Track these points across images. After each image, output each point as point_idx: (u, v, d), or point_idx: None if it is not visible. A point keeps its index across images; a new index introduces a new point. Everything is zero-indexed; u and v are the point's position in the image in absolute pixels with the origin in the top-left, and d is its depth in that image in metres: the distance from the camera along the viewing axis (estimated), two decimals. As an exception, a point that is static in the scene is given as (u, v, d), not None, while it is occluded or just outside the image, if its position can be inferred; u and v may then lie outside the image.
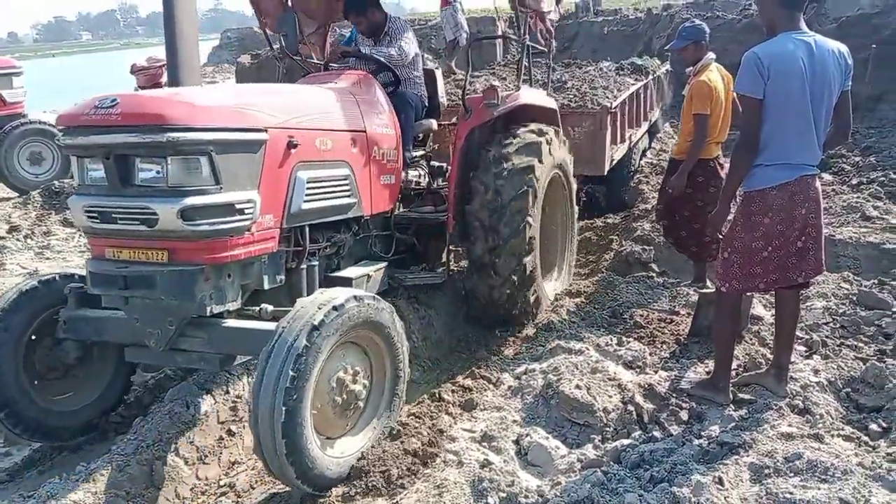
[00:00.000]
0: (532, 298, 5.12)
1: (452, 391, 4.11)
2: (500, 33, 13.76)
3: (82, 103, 3.31)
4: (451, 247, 5.23)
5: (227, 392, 3.85)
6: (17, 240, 7.91)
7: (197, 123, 3.14)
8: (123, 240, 3.28)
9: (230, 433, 3.75)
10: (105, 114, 3.10)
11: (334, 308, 3.09)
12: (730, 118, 5.41)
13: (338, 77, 4.78)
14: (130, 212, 3.18)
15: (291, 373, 2.88)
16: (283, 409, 2.87)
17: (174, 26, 4.30)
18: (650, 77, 9.88)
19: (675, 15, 13.71)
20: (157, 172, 3.14)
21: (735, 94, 3.63)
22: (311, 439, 3.03)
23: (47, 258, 7.40)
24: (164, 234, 3.18)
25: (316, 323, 2.99)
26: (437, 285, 5.28)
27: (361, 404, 3.43)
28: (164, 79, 6.18)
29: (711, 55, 5.38)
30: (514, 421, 3.71)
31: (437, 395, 4.06)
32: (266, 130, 3.49)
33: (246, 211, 3.34)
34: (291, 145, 3.64)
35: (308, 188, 3.80)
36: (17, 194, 9.86)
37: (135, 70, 6.30)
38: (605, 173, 7.56)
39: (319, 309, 3.06)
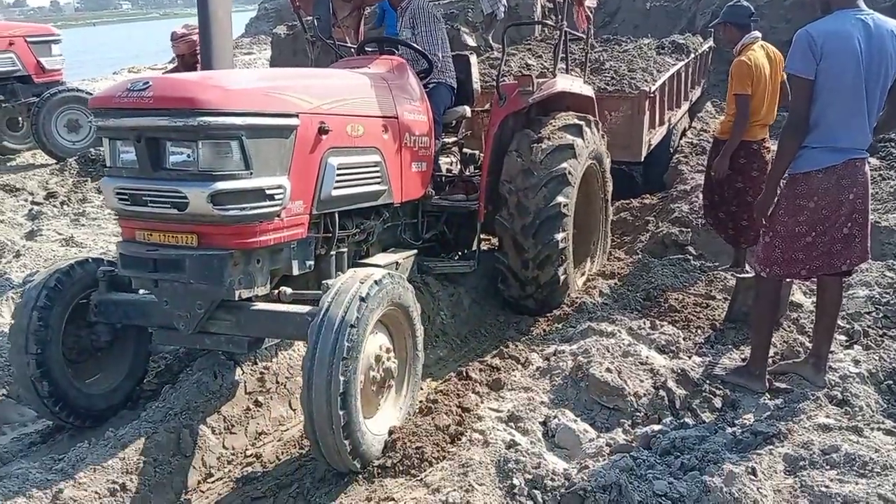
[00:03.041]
0: (562, 279, 5.03)
1: (480, 370, 4.06)
2: (537, 16, 13.52)
3: (115, 85, 3.31)
4: (481, 235, 5.18)
5: (255, 363, 3.85)
6: (54, 206, 8.00)
7: (228, 107, 3.11)
8: (154, 223, 3.28)
9: (257, 404, 3.76)
10: (137, 97, 3.09)
11: (376, 282, 3.15)
12: (777, 99, 5.24)
13: (370, 62, 4.73)
14: (161, 195, 3.17)
15: (347, 343, 2.92)
16: (342, 379, 2.89)
17: (207, 11, 4.30)
18: (691, 56, 9.57)
19: (720, -9, 13.30)
20: (188, 156, 3.13)
21: (785, 73, 3.48)
22: (361, 414, 3.06)
23: (83, 225, 7.47)
24: (193, 217, 3.17)
25: (363, 295, 3.05)
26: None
27: (393, 382, 3.45)
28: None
29: (756, 34, 5.20)
30: (542, 402, 3.67)
31: (464, 374, 4.01)
32: (297, 115, 3.46)
33: (276, 196, 3.31)
34: (323, 131, 3.60)
35: (338, 174, 3.75)
36: (54, 161, 9.97)
37: (175, 38, 6.27)
38: (642, 160, 7.40)
39: (362, 283, 3.11)
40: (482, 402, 3.71)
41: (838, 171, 3.48)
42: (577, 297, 5.14)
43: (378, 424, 3.31)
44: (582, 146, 5.12)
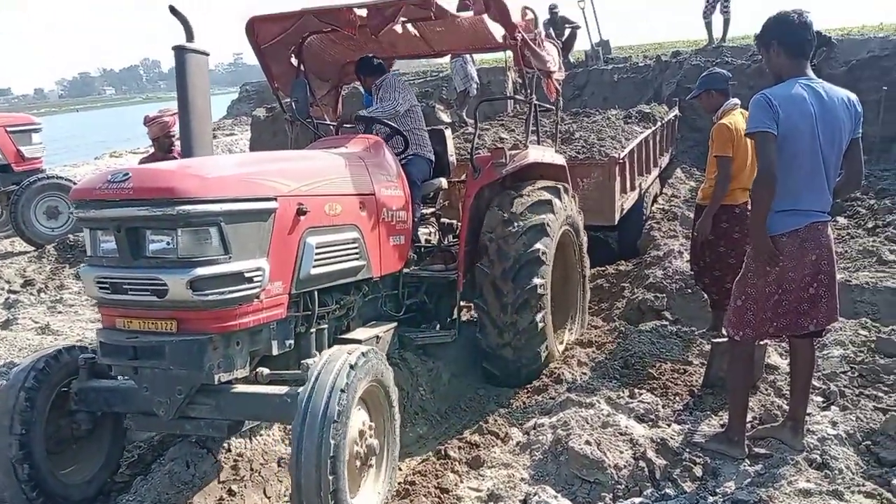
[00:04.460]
0: (544, 355, 5.11)
1: (459, 448, 4.02)
2: (508, 91, 13.92)
3: (95, 176, 3.37)
4: (461, 303, 5.23)
5: (229, 450, 3.78)
6: (31, 294, 7.94)
7: (207, 195, 3.17)
8: (133, 310, 3.28)
9: (231, 493, 3.67)
10: (117, 188, 3.14)
11: (363, 354, 3.25)
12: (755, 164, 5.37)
13: (347, 141, 4.85)
14: (141, 283, 3.20)
15: (338, 407, 2.97)
16: (332, 443, 2.92)
17: (187, 101, 4.51)
18: (658, 124, 9.93)
19: (685, 62, 13.77)
20: (168, 243, 3.17)
21: (748, 134, 3.58)
22: (347, 485, 3.06)
23: (59, 312, 7.41)
24: (173, 304, 3.18)
25: (353, 363, 3.14)
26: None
27: (374, 461, 3.43)
28: (176, 129, 6.31)
29: (735, 101, 5.35)
30: (522, 479, 3.62)
31: (443, 452, 3.97)
32: (276, 199, 3.51)
33: (255, 279, 3.34)
34: (301, 212, 3.65)
35: (317, 253, 3.79)
36: (32, 248, 9.95)
37: (147, 121, 6.42)
38: (616, 223, 7.55)
39: (350, 353, 3.21)
40: (461, 482, 3.66)
41: (801, 234, 3.55)
42: (555, 368, 5.13)
43: (360, 500, 3.28)
44: (559, 205, 5.29)
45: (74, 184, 10.84)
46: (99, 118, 74.55)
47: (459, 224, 5.38)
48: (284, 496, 3.86)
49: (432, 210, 5.83)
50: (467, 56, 12.09)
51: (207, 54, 4.90)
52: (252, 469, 3.80)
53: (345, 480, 3.01)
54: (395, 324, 4.79)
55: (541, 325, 5.02)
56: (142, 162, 6.62)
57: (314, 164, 4.22)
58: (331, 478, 2.91)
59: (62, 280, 8.35)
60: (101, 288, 3.31)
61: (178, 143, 6.65)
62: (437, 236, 5.90)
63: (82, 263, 3.50)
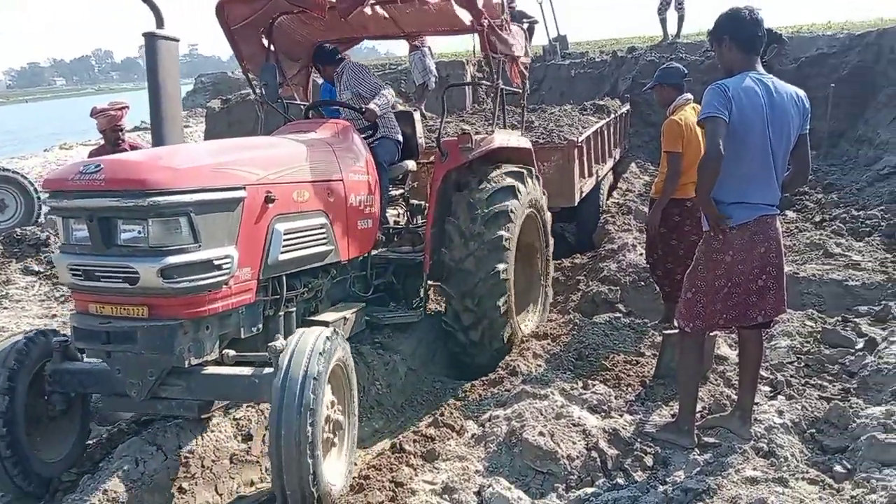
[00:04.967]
0: (507, 336, 5.25)
1: (414, 441, 4.01)
2: (469, 79, 13.93)
3: (67, 167, 3.43)
4: (429, 282, 5.37)
5: (179, 448, 3.71)
6: (-25, 289, 7.70)
7: (177, 186, 3.24)
8: (106, 296, 3.37)
9: (182, 490, 3.60)
10: (89, 179, 3.22)
11: (328, 338, 3.38)
12: None
13: (317, 126, 4.89)
14: (113, 270, 3.29)
15: (312, 395, 3.12)
16: (310, 429, 3.09)
17: (158, 87, 4.51)
18: (612, 116, 10.30)
19: (640, 58, 13.94)
20: (139, 233, 3.25)
21: (700, 120, 3.61)
22: (322, 459, 3.23)
23: (5, 308, 7.19)
24: (144, 291, 3.27)
25: (321, 350, 3.27)
26: (403, 329, 5.33)
27: (338, 434, 3.57)
28: (125, 121, 6.20)
29: (688, 95, 5.42)
30: (477, 471, 3.62)
31: (398, 446, 3.95)
32: (244, 188, 3.59)
33: (224, 266, 3.44)
34: (269, 200, 3.74)
35: (285, 240, 3.89)
36: (-23, 242, 9.64)
37: (94, 113, 6.26)
38: (576, 203, 7.82)
39: (317, 340, 3.32)
40: (416, 475, 3.65)
41: (750, 227, 3.61)
42: (511, 360, 5.16)
43: (328, 473, 3.40)
44: (523, 190, 5.43)
45: (23, 176, 10.65)
46: (49, 109, 72.60)
47: (427, 205, 5.49)
48: (237, 492, 3.82)
49: (401, 191, 5.96)
50: (426, 49, 12.04)
51: (177, 40, 4.97)
52: (203, 466, 3.74)
53: (322, 461, 3.18)
54: (362, 304, 4.93)
55: (504, 308, 5.14)
56: (91, 154, 6.47)
57: (282, 151, 4.26)
58: (310, 461, 3.08)
59: (8, 275, 8.11)
60: (73, 274, 3.39)
61: (127, 136, 6.53)
62: (406, 217, 6.04)
63: (56, 250, 3.55)
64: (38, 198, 10.33)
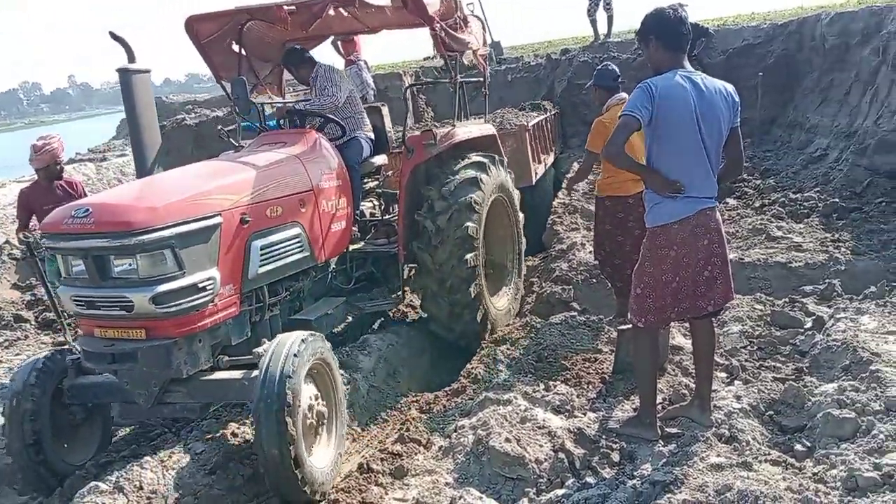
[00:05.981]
0: (479, 317, 5.68)
1: (382, 459, 3.98)
2: (406, 94, 13.99)
3: (59, 212, 3.81)
4: (406, 269, 5.74)
5: (141, 488, 3.60)
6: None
7: (158, 223, 3.63)
8: (107, 321, 3.79)
9: (146, 533, 3.51)
10: (81, 222, 3.60)
11: (302, 340, 3.73)
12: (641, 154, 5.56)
13: (286, 138, 5.16)
14: (110, 300, 3.70)
15: (289, 391, 3.49)
16: (289, 421, 3.45)
17: (136, 118, 4.81)
18: (549, 113, 11.42)
19: (574, 59, 14.12)
20: (130, 265, 3.64)
21: (620, 115, 3.70)
22: (304, 446, 3.60)
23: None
24: (139, 316, 3.68)
25: (295, 352, 3.63)
26: (362, 347, 5.32)
27: (324, 424, 3.94)
28: (63, 156, 6.09)
29: (622, 95, 5.50)
30: (447, 483, 3.62)
31: (365, 466, 3.92)
32: (220, 214, 3.97)
33: (208, 288, 3.86)
34: (244, 221, 4.12)
35: (262, 255, 4.29)
36: None
37: (37, 151, 6.04)
38: (533, 183, 8.51)
39: (292, 344, 3.69)
40: (386, 494, 3.63)
41: (692, 221, 3.69)
42: (472, 368, 5.17)
43: (316, 459, 3.76)
44: (487, 179, 5.79)
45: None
46: (-23, 147, 69.93)
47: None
48: (203, 530, 3.73)
49: (375, 183, 6.25)
50: (362, 63, 12.02)
51: (149, 71, 5.23)
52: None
53: (303, 449, 3.53)
54: (343, 298, 5.37)
55: (475, 293, 5.55)
56: (24, 191, 6.28)
57: (252, 174, 4.47)
58: (291, 448, 3.43)
59: None
60: (77, 304, 3.82)
61: (66, 168, 6.33)
62: (381, 209, 6.35)
63: (60, 284, 4.00)
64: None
